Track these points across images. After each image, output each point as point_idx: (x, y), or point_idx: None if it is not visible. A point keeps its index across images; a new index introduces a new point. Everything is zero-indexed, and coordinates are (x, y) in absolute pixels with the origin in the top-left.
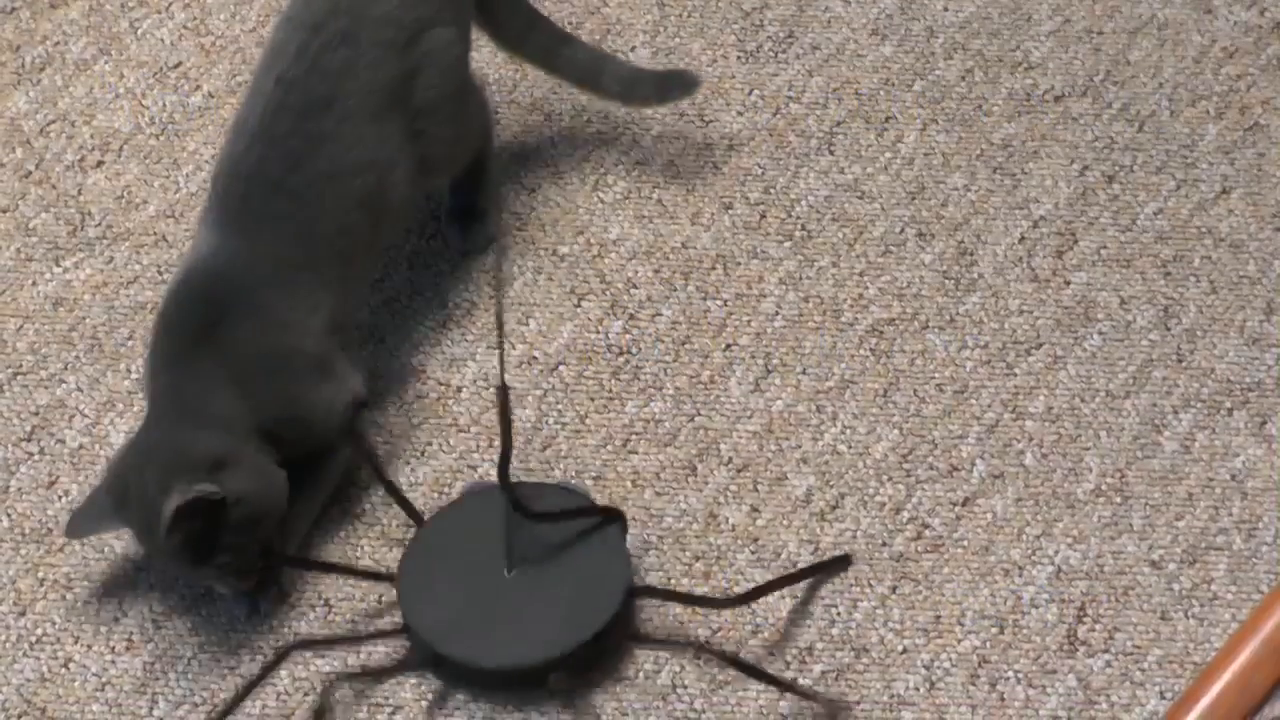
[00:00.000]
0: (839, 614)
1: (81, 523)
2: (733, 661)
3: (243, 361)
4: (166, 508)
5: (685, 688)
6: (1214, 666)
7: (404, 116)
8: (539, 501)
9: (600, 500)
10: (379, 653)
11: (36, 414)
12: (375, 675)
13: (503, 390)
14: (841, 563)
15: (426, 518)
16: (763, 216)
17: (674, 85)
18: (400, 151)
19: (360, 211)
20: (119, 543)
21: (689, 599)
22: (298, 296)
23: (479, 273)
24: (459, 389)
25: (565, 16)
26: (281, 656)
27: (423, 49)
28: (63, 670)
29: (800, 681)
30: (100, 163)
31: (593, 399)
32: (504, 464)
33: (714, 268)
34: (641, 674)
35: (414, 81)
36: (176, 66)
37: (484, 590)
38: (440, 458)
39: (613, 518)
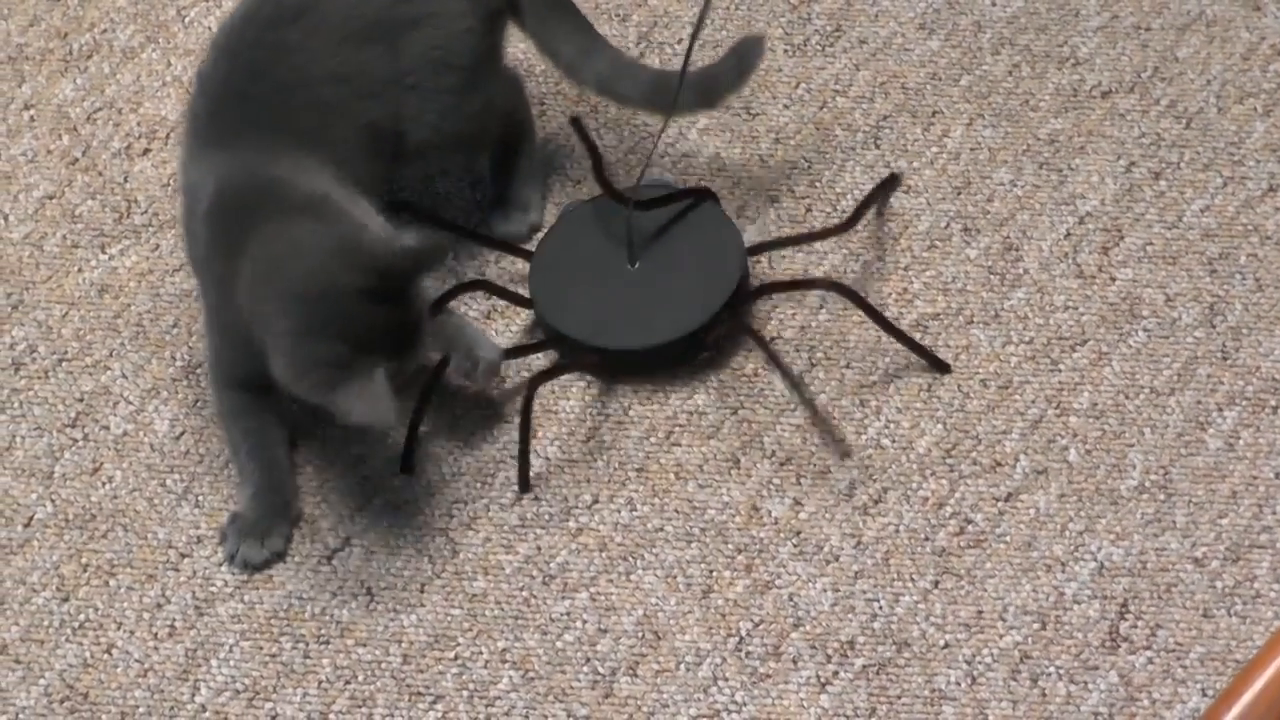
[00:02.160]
0: (881, 608)
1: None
2: (859, 301)
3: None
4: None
5: (726, 680)
6: (1255, 664)
7: (390, 57)
8: (636, 197)
9: (642, 489)
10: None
11: (81, 400)
12: (553, 372)
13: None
14: (893, 181)
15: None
16: (808, 210)
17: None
18: (382, 84)
19: (338, 117)
20: (162, 529)
21: (800, 239)
22: (310, 174)
23: (524, 264)
24: (502, 379)
25: (613, 8)
26: (529, 394)
27: (425, 6)
28: (105, 656)
29: (841, 674)
30: (147, 150)
31: (636, 391)
32: (599, 167)
33: (759, 261)
34: (683, 666)
35: (410, 32)
36: None
37: (618, 288)
38: (483, 448)
39: (704, 195)
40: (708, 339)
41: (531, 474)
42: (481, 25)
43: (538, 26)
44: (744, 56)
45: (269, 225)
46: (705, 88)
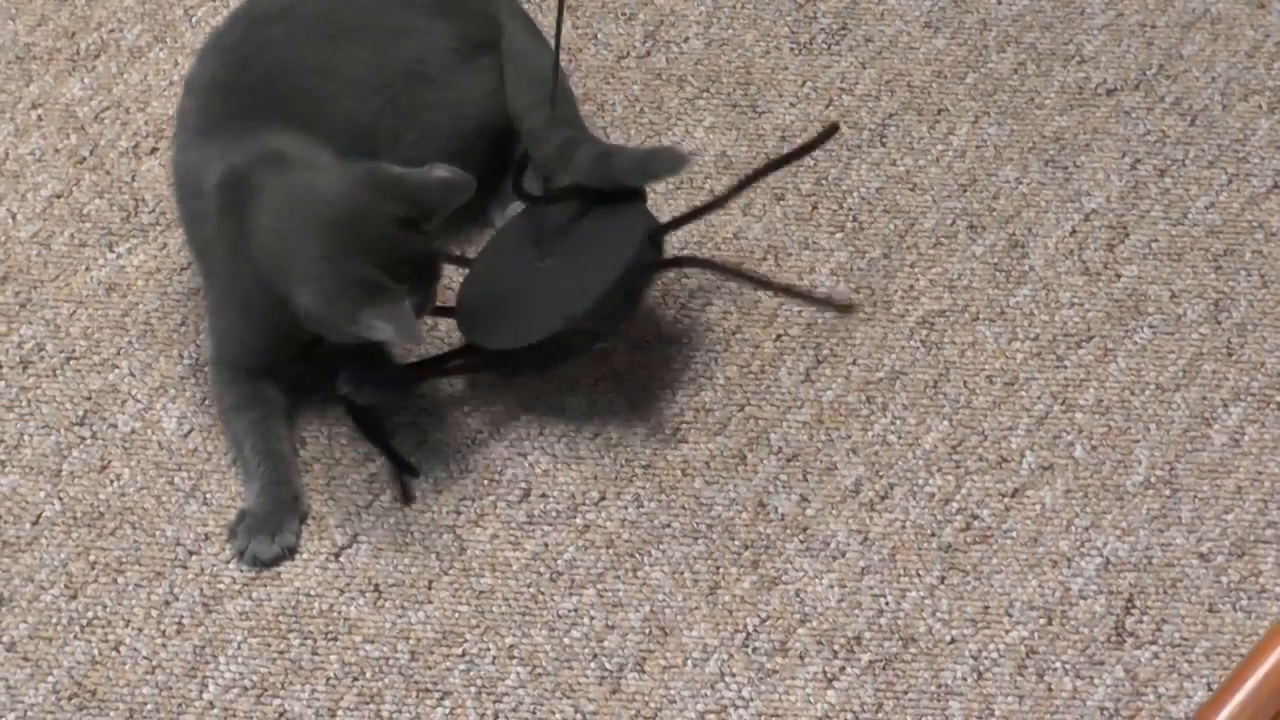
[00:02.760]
0: (887, 604)
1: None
2: (736, 272)
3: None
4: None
5: (733, 675)
6: (1254, 655)
7: (373, 62)
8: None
9: (649, 486)
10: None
11: (89, 398)
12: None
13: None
14: (830, 132)
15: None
16: (814, 208)
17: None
18: (365, 87)
19: (329, 107)
20: (170, 527)
21: (697, 212)
22: (312, 150)
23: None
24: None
25: (619, 7)
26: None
27: (409, 20)
28: (113, 653)
29: (848, 669)
30: (154, 149)
31: (643, 387)
32: (519, 174)
33: (765, 258)
34: (690, 662)
35: (393, 42)
36: None
37: (527, 287)
38: (491, 445)
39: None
40: (597, 329)
41: (538, 471)
42: (466, 49)
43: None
44: (653, 162)
45: (286, 177)
46: (603, 165)
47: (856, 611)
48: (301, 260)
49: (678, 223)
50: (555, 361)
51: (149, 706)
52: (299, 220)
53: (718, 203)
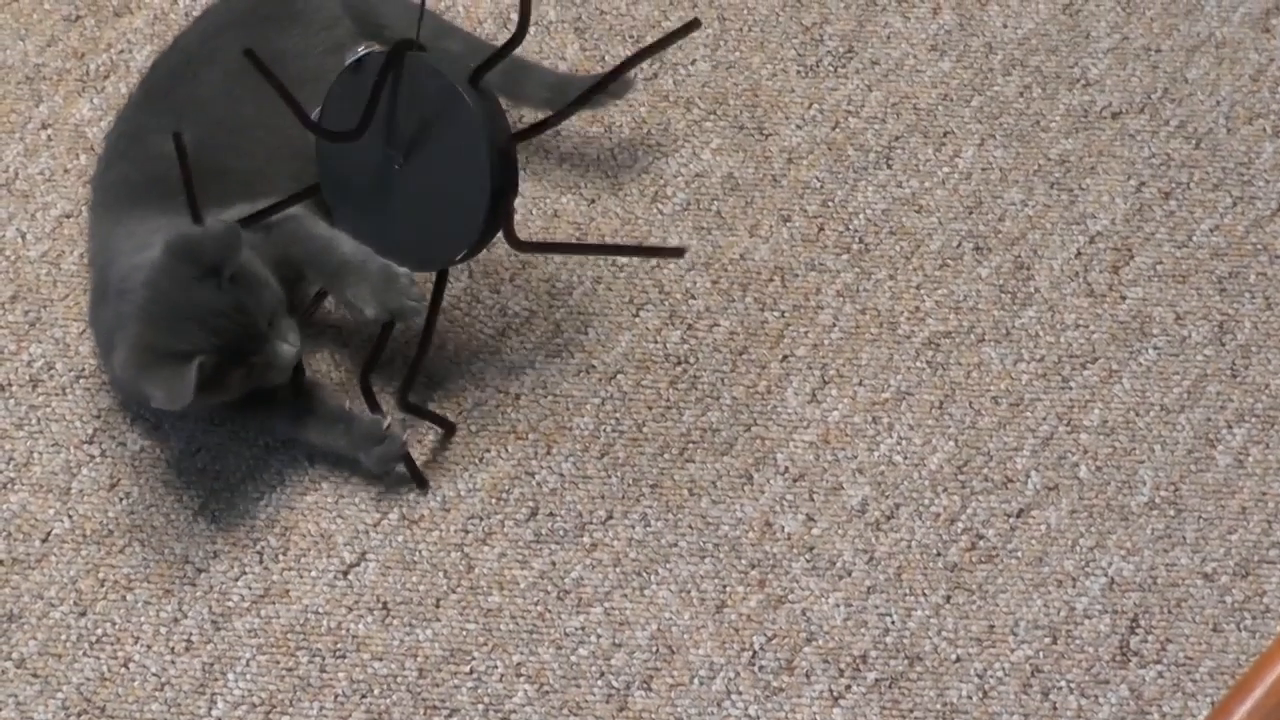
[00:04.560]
0: (893, 623)
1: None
2: (538, 246)
3: None
4: None
5: (739, 694)
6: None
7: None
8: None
9: (656, 505)
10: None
11: (98, 417)
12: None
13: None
14: (691, 27)
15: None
16: (821, 229)
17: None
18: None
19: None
20: (179, 544)
21: (551, 120)
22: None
23: (539, 281)
24: (517, 396)
25: (626, 30)
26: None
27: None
28: (122, 670)
29: (854, 688)
30: None
31: (650, 408)
32: (293, 104)
33: (772, 279)
34: (697, 680)
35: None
36: None
37: (391, 190)
38: (499, 464)
39: (401, 50)
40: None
41: (545, 490)
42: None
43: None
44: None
45: (130, 258)
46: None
47: (862, 630)
48: (117, 333)
49: (529, 133)
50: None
51: None
52: (118, 296)
53: (573, 108)
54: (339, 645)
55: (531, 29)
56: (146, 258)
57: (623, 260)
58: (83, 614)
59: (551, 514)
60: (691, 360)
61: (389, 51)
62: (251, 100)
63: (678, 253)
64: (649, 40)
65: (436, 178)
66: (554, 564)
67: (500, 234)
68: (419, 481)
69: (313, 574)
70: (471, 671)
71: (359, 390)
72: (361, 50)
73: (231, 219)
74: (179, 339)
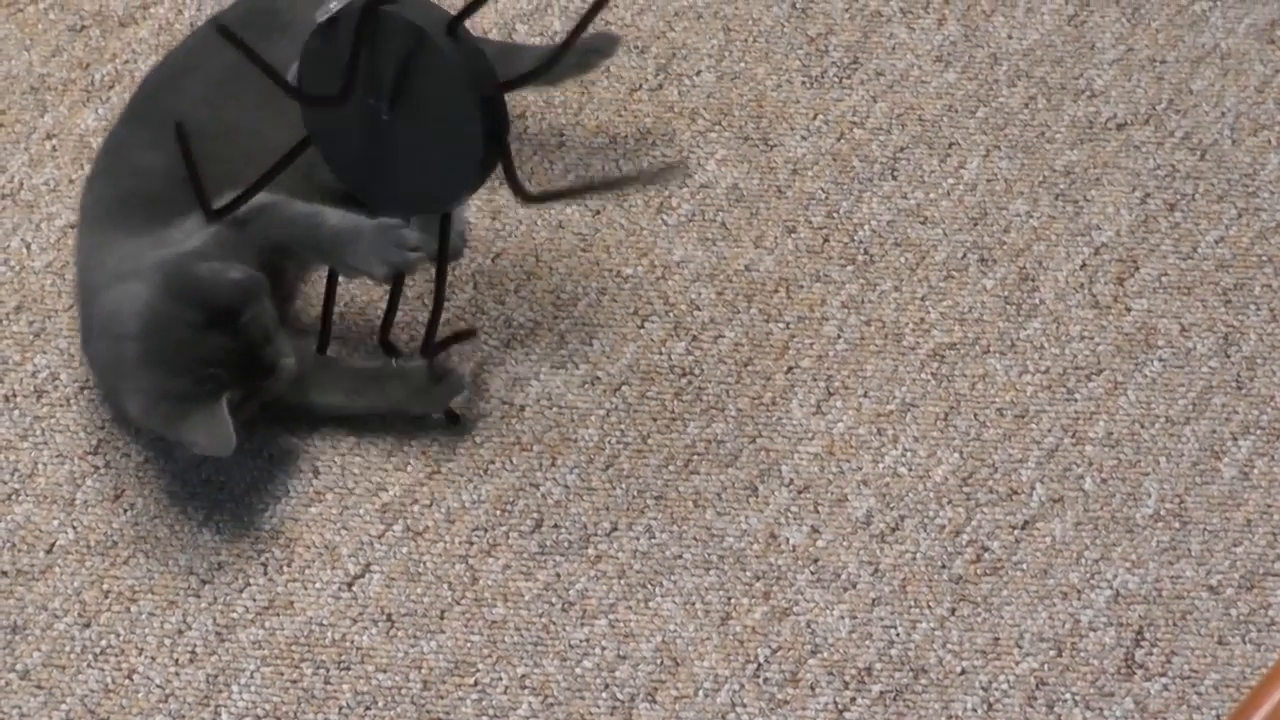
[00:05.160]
0: (898, 635)
1: None
2: (546, 195)
3: None
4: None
5: (744, 706)
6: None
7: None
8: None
9: (661, 517)
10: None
11: (103, 428)
12: None
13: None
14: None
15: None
16: (826, 240)
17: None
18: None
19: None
20: (183, 556)
21: (539, 71)
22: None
23: (544, 293)
24: (522, 407)
25: (632, 39)
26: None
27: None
28: (126, 682)
29: (859, 700)
30: None
31: (655, 419)
32: (270, 71)
33: (777, 290)
34: (702, 693)
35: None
36: None
37: (384, 142)
38: (503, 475)
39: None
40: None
41: (550, 502)
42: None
43: None
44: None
45: (113, 290)
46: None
47: (867, 642)
48: (119, 375)
49: (516, 83)
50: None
51: None
52: (113, 336)
53: (551, 64)
54: (343, 657)
55: (535, 39)
56: (135, 291)
57: (628, 271)
58: (87, 625)
59: (556, 526)
60: (696, 372)
61: (362, 7)
62: (234, 105)
63: (679, 171)
64: (655, 46)
65: (426, 126)
66: (559, 576)
67: (511, 194)
68: (451, 418)
69: (317, 585)
70: (476, 684)
71: (381, 352)
72: (334, 6)
73: (225, 203)
74: (195, 383)
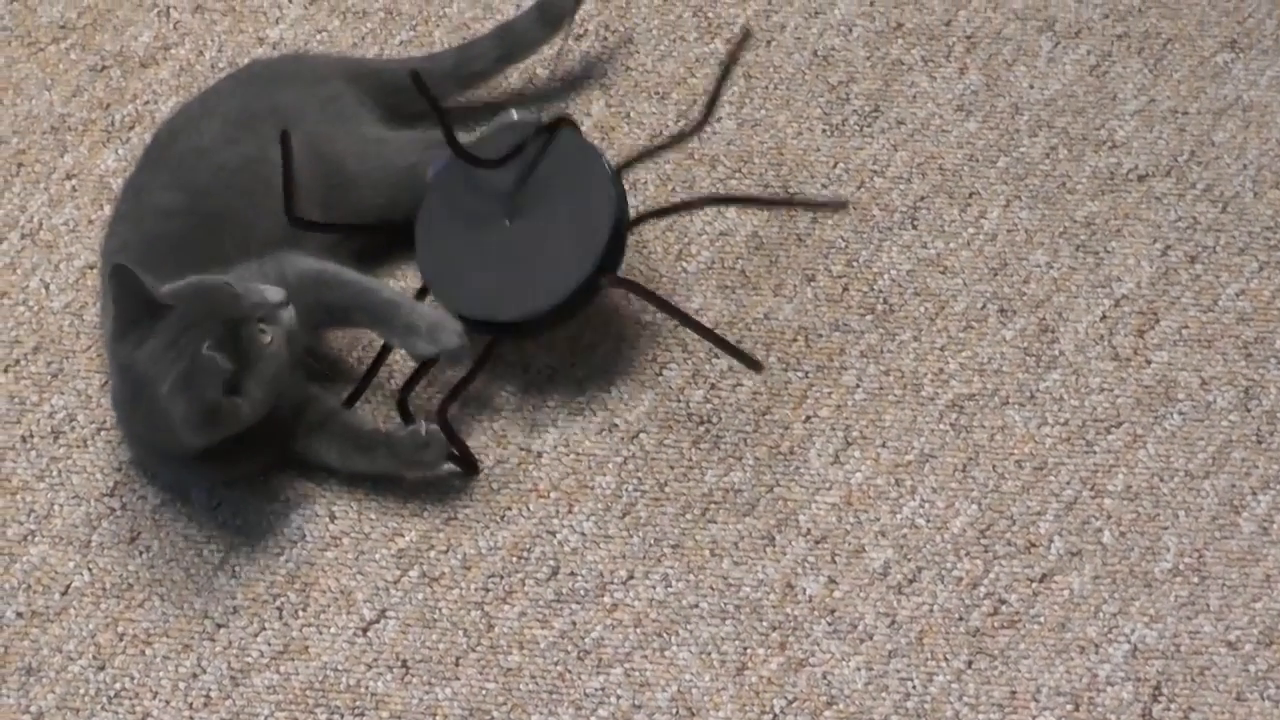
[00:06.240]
0: (914, 687)
1: None
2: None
3: None
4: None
5: None
6: None
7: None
8: (493, 147)
9: (677, 565)
10: None
11: (120, 469)
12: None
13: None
14: (744, 38)
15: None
16: (845, 289)
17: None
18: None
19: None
20: (198, 599)
21: (663, 146)
22: None
23: (562, 339)
24: (539, 454)
25: (652, 86)
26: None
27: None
28: None
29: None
30: None
31: (673, 467)
32: (448, 129)
33: (796, 339)
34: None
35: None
36: None
37: (502, 250)
38: (520, 522)
39: (560, 124)
40: (604, 279)
41: (566, 549)
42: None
43: None
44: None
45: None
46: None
47: (883, 694)
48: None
49: (640, 157)
50: (570, 316)
51: None
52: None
53: (677, 138)
54: (358, 703)
55: (556, 84)
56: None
57: (646, 318)
58: (101, 668)
59: (572, 573)
60: (714, 420)
61: (547, 125)
62: (253, 139)
63: (756, 366)
64: (676, 93)
65: (544, 242)
66: (574, 624)
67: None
68: (468, 467)
69: (332, 630)
70: None
71: (397, 412)
72: (515, 116)
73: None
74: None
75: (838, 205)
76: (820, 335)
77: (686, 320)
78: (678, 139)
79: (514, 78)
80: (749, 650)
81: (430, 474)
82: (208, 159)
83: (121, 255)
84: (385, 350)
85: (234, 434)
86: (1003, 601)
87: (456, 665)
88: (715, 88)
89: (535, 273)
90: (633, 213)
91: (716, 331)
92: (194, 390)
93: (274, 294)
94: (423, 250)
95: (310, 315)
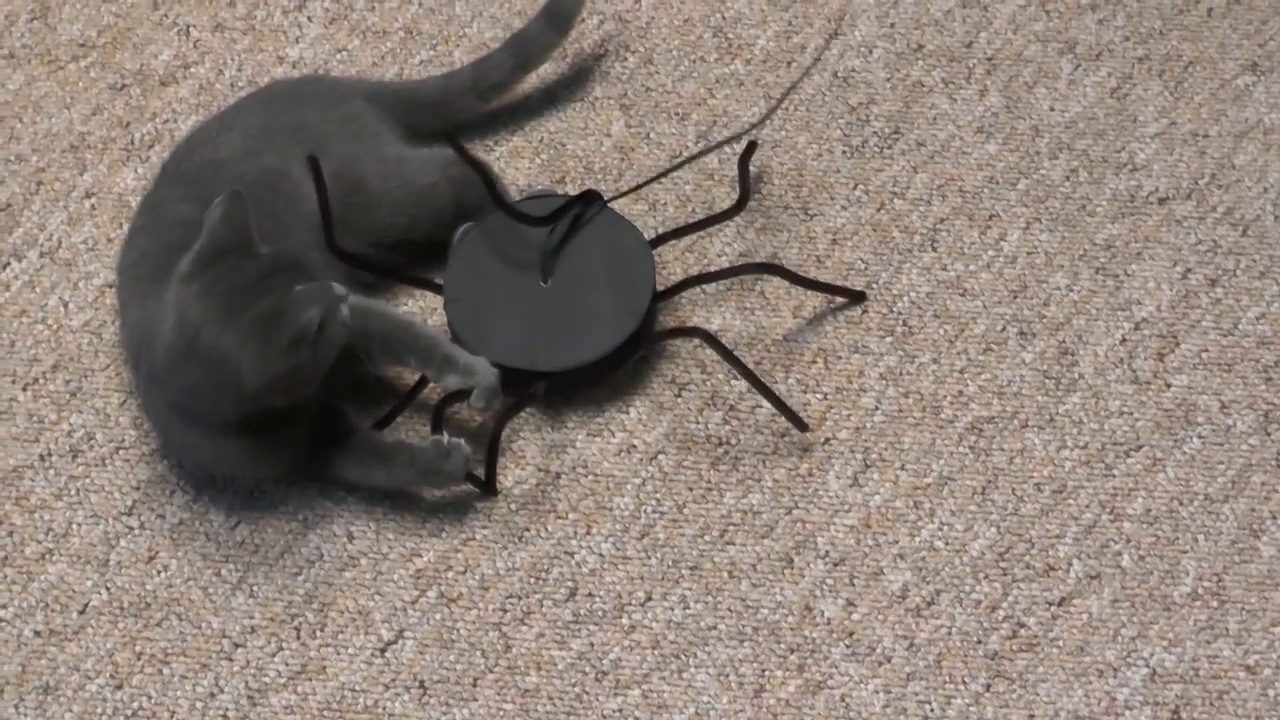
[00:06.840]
0: (932, 710)
1: None
2: (729, 357)
3: None
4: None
5: None
6: None
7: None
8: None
9: (695, 587)
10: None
11: (138, 488)
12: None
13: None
14: (750, 149)
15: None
16: (864, 311)
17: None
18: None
19: None
20: (216, 619)
21: (700, 224)
22: None
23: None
24: (558, 475)
25: (672, 107)
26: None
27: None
28: None
29: None
30: None
31: (691, 489)
32: (493, 188)
33: (815, 361)
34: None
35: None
36: None
37: (537, 306)
38: (538, 543)
39: (593, 198)
40: (644, 339)
41: (584, 570)
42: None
43: None
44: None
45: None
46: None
47: (901, 717)
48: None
49: (675, 234)
50: (604, 376)
51: None
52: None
53: (714, 219)
54: None
55: (576, 104)
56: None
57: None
58: (119, 687)
59: (590, 594)
60: (733, 442)
61: (581, 196)
62: (273, 153)
63: (802, 426)
64: (696, 114)
65: (579, 306)
66: (592, 645)
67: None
68: (487, 489)
69: (350, 651)
70: None
71: (430, 421)
72: (539, 189)
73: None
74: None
75: (857, 297)
76: (839, 357)
77: (744, 371)
78: (718, 217)
79: (535, 100)
80: (767, 672)
81: (449, 489)
82: (226, 171)
83: (140, 266)
84: (420, 384)
85: (275, 410)
86: (1021, 625)
87: (474, 686)
88: (742, 175)
89: (578, 328)
90: (653, 234)
91: (770, 386)
92: (286, 320)
93: (340, 287)
94: (453, 309)
95: (357, 341)
